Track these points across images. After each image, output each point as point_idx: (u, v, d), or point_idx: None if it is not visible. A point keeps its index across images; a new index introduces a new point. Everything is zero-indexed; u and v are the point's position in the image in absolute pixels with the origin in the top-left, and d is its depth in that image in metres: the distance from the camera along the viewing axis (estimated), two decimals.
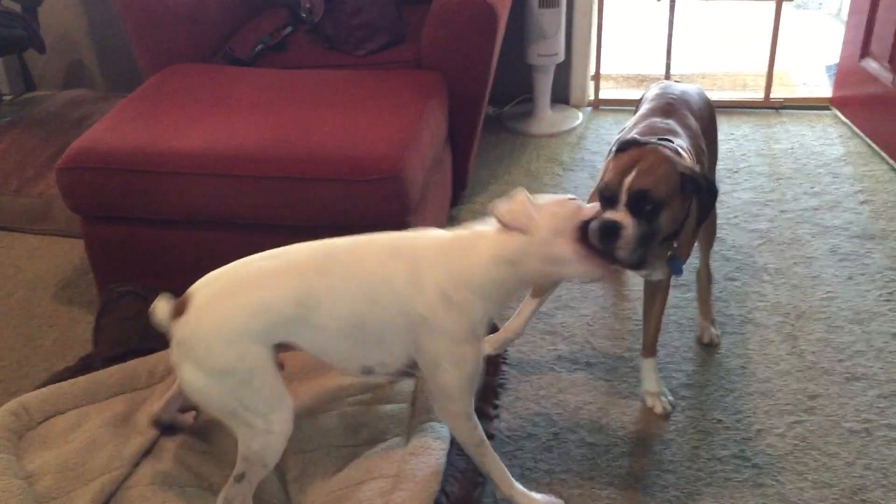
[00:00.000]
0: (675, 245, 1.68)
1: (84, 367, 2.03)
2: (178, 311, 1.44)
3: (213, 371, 1.42)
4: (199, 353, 1.42)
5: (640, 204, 1.50)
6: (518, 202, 1.43)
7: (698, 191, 1.57)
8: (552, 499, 1.66)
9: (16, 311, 2.41)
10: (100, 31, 3.79)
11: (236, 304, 1.43)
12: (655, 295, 1.91)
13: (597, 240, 1.45)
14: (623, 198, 1.51)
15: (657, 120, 1.82)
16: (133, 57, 2.81)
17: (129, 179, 2.10)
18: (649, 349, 1.94)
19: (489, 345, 1.97)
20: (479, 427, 1.58)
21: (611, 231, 1.47)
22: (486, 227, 1.48)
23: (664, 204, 1.52)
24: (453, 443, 1.71)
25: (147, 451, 1.70)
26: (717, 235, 2.59)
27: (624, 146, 1.61)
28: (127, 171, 2.09)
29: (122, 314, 2.16)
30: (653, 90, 2.03)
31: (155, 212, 2.14)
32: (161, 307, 1.47)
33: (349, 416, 1.79)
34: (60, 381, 1.92)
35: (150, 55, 2.70)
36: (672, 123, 1.81)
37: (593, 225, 1.45)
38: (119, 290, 2.21)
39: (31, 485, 1.59)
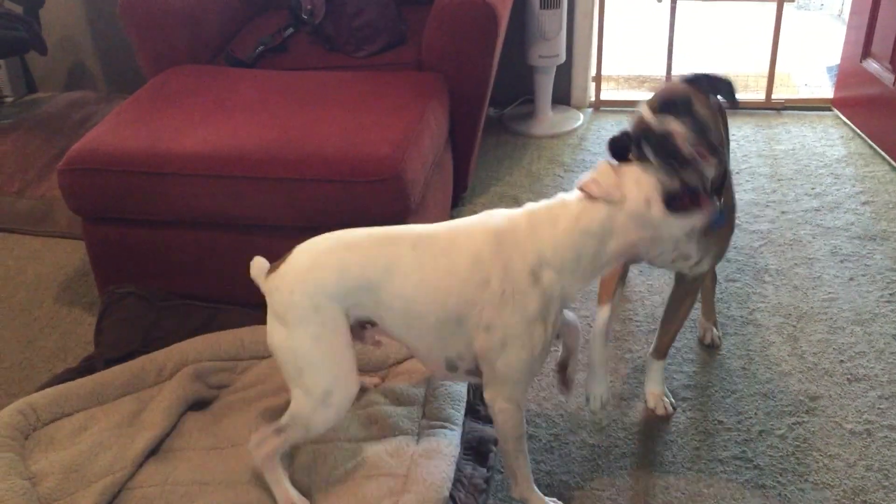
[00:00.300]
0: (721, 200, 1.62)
1: (86, 368, 2.03)
2: (275, 268, 1.52)
3: (290, 321, 1.47)
4: (281, 303, 1.48)
5: (669, 107, 1.44)
6: (603, 171, 1.42)
7: (710, 85, 1.54)
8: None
9: (17, 313, 2.41)
10: (101, 32, 3.79)
11: (323, 262, 1.49)
12: (685, 299, 1.88)
13: (656, 157, 1.40)
14: (651, 115, 1.44)
15: None
16: (134, 59, 2.81)
17: (131, 181, 2.10)
18: (662, 351, 1.94)
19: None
20: (524, 420, 1.57)
21: (665, 139, 1.40)
22: (568, 199, 1.46)
23: (690, 100, 1.47)
24: (461, 448, 1.71)
25: (152, 452, 1.70)
26: None
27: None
28: (128, 172, 2.09)
29: (123, 315, 2.16)
30: None
31: (156, 213, 2.15)
32: (257, 264, 1.55)
33: (361, 413, 1.79)
34: (62, 382, 1.92)
35: (151, 57, 2.70)
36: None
37: (652, 143, 1.41)
38: (120, 291, 2.22)
39: (34, 485, 1.59)
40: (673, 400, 1.95)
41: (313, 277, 1.48)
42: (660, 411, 1.92)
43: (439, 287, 1.47)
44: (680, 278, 1.89)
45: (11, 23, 3.35)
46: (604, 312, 1.86)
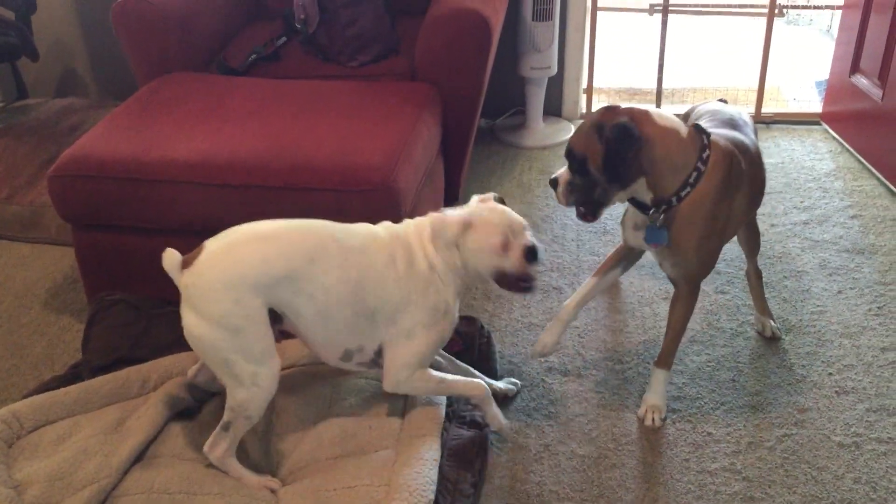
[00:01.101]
0: (662, 217, 1.74)
1: (73, 375, 2.02)
2: (188, 262, 1.56)
3: (211, 318, 1.53)
4: (200, 299, 1.53)
5: (571, 161, 1.73)
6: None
7: (604, 137, 1.66)
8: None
9: (5, 319, 2.39)
10: (93, 39, 3.79)
11: (240, 254, 1.55)
12: (675, 305, 1.91)
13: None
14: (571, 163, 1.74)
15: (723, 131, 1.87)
16: (126, 65, 2.81)
17: (121, 188, 2.09)
18: (661, 360, 1.95)
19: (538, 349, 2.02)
20: (430, 371, 1.72)
21: (553, 184, 1.79)
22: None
23: (586, 157, 1.69)
24: (445, 454, 1.71)
25: (137, 459, 1.69)
26: None
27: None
28: (119, 179, 2.08)
29: (112, 323, 2.15)
30: (711, 109, 2.03)
31: (146, 220, 2.14)
32: (169, 256, 1.58)
33: (338, 426, 1.78)
34: (49, 389, 1.91)
35: (143, 64, 2.70)
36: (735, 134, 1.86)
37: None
38: (109, 298, 2.21)
39: (19, 494, 1.58)
40: (664, 415, 1.95)
41: (234, 271, 1.54)
42: (646, 422, 1.93)
43: (359, 282, 1.61)
44: (673, 284, 1.91)
45: (3, 29, 3.35)
46: (589, 282, 2.01)
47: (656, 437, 1.90)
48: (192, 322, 1.56)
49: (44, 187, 2.93)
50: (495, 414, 1.81)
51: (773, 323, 2.21)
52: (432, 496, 1.57)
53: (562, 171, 1.77)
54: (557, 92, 3.58)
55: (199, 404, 1.89)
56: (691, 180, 1.70)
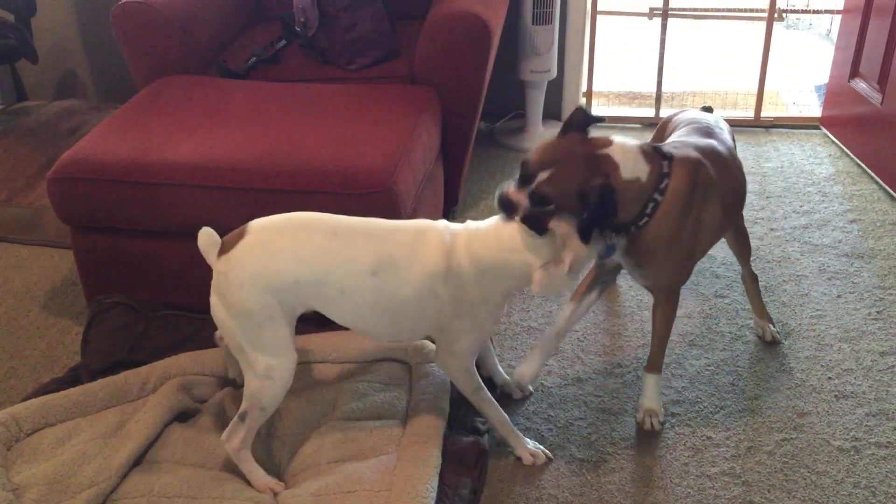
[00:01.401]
0: (614, 239, 1.73)
1: (72, 378, 2.02)
2: (227, 247, 1.56)
3: (234, 309, 1.55)
4: (228, 289, 1.55)
5: (539, 202, 1.60)
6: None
7: (589, 207, 1.58)
8: (540, 450, 1.84)
9: (3, 322, 2.39)
10: (92, 41, 3.79)
11: (277, 254, 1.55)
12: (656, 310, 1.90)
13: (497, 203, 1.65)
14: (531, 187, 1.61)
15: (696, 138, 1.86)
16: (125, 68, 2.81)
17: (121, 190, 2.09)
18: (650, 364, 1.94)
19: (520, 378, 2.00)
20: (475, 374, 1.75)
21: (507, 206, 1.63)
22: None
23: (558, 206, 1.59)
24: (445, 460, 1.71)
25: (136, 463, 1.69)
26: (708, 252, 2.60)
27: (582, 123, 1.67)
28: (118, 181, 2.08)
29: (110, 325, 2.15)
30: (687, 117, 2.02)
31: (146, 223, 2.14)
32: (206, 236, 1.60)
33: (339, 430, 1.78)
34: (48, 392, 1.91)
35: (143, 66, 2.70)
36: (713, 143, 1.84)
37: (498, 196, 1.65)
38: (108, 301, 2.21)
39: (17, 497, 1.57)
40: (662, 419, 1.95)
41: (266, 272, 1.54)
42: (645, 426, 1.92)
43: (393, 314, 1.63)
44: (650, 291, 1.92)
45: (3, 31, 3.35)
46: (567, 308, 1.98)
47: (655, 441, 1.90)
48: (216, 305, 1.59)
49: (43, 189, 2.93)
50: (522, 445, 1.83)
51: (772, 327, 2.21)
52: (433, 502, 1.57)
53: (520, 194, 1.62)
54: (557, 95, 3.59)
55: (198, 406, 1.89)
56: (647, 211, 1.67)
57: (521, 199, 1.61)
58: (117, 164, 2.09)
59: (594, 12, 3.51)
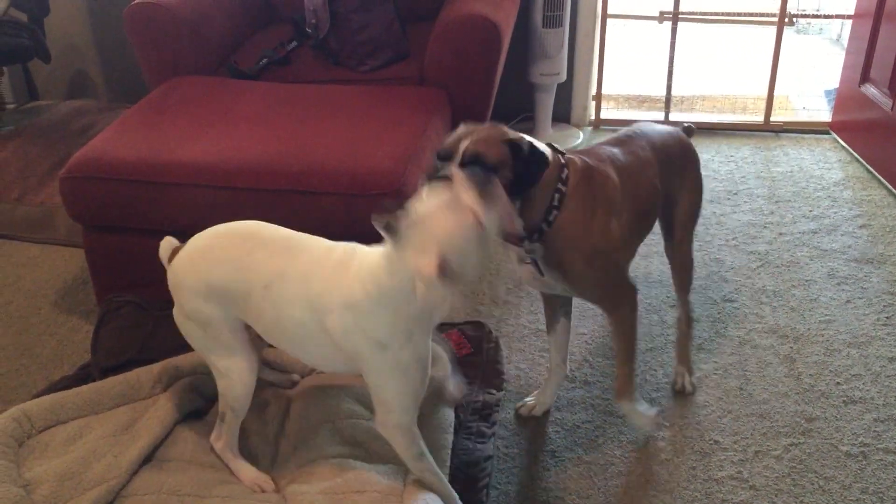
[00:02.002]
0: (538, 245, 1.65)
1: (83, 376, 2.03)
2: (174, 255, 1.63)
3: (185, 311, 1.60)
4: (176, 294, 1.62)
5: (472, 160, 1.51)
6: None
7: (521, 156, 1.54)
8: None
9: (15, 320, 2.40)
10: (104, 42, 3.81)
11: (197, 267, 1.58)
12: (613, 333, 1.83)
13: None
14: (458, 159, 1.51)
15: (604, 146, 1.82)
16: (136, 68, 2.83)
17: (132, 190, 2.10)
18: (619, 392, 1.82)
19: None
20: (419, 440, 1.54)
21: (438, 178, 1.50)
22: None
23: (494, 163, 1.51)
24: (451, 465, 1.71)
25: (147, 460, 1.70)
26: (717, 257, 2.60)
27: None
28: (130, 181, 2.09)
29: (121, 324, 2.16)
30: (626, 129, 1.97)
31: (156, 222, 2.15)
32: (165, 245, 1.66)
33: (343, 430, 1.78)
34: (59, 389, 1.91)
35: (154, 67, 2.71)
36: (616, 151, 1.79)
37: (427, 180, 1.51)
38: (118, 300, 2.22)
39: (28, 493, 1.58)
40: (660, 429, 1.93)
41: (198, 278, 1.56)
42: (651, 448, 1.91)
43: (297, 331, 1.52)
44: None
45: (16, 30, 3.37)
46: (550, 341, 1.95)
47: (663, 445, 1.90)
48: (175, 311, 1.63)
49: (54, 188, 2.95)
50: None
51: (688, 377, 2.07)
52: None
53: (452, 170, 1.51)
54: (566, 98, 3.59)
55: (208, 404, 1.90)
56: (555, 203, 1.62)
57: (454, 171, 1.50)
58: (129, 164, 2.11)
59: (604, 15, 3.51)
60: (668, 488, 1.78)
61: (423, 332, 1.46)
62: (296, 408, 1.83)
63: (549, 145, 1.67)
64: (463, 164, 1.50)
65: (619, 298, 1.76)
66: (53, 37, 3.72)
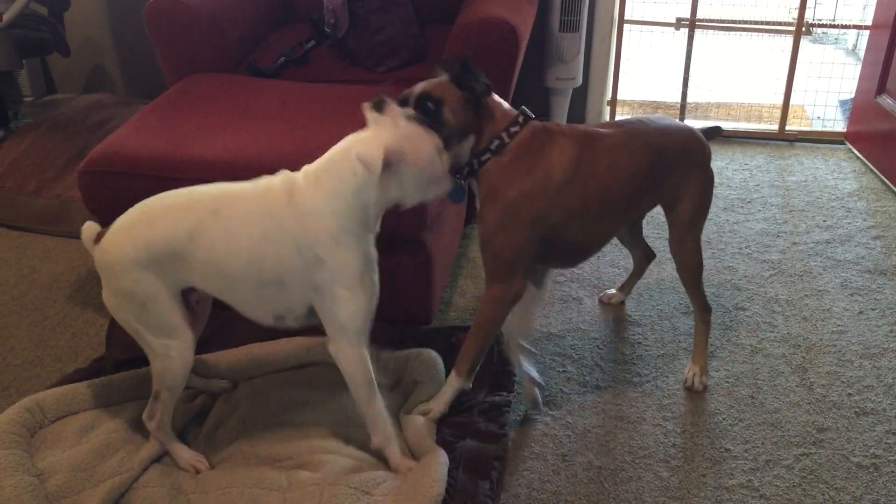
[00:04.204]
0: (466, 173, 1.78)
1: (96, 369, 2.05)
2: (99, 238, 1.64)
3: (117, 292, 1.61)
4: (106, 277, 1.62)
5: (426, 104, 1.67)
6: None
7: (463, 75, 1.71)
8: (410, 462, 1.71)
9: (29, 312, 2.42)
10: (122, 37, 3.84)
11: (132, 236, 1.59)
12: (479, 309, 1.84)
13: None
14: (412, 102, 1.68)
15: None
16: (153, 64, 2.84)
17: (151, 185, 2.10)
18: (457, 365, 1.86)
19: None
20: (370, 364, 1.66)
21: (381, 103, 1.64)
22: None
23: (444, 101, 1.68)
24: (460, 466, 1.71)
25: (157, 459, 1.72)
26: (729, 265, 2.60)
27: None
28: (149, 176, 2.11)
29: None
30: (634, 117, 2.01)
31: None
32: (87, 230, 1.66)
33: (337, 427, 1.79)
34: (72, 382, 1.93)
35: (173, 63, 2.73)
36: (575, 127, 1.85)
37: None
38: None
39: (41, 482, 1.60)
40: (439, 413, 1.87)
41: (126, 253, 1.58)
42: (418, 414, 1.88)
43: (252, 253, 1.56)
44: None
45: (36, 24, 3.39)
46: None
47: (674, 452, 1.90)
48: (105, 294, 1.64)
49: (71, 181, 2.97)
50: (394, 459, 1.72)
51: (699, 376, 2.07)
52: (441, 490, 1.58)
53: (408, 110, 1.65)
54: (581, 103, 3.59)
55: (211, 402, 1.92)
56: (492, 147, 1.74)
57: (409, 111, 1.65)
58: (148, 159, 2.12)
59: (621, 21, 3.51)
60: (679, 495, 1.78)
61: (371, 235, 1.62)
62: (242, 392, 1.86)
63: (520, 108, 1.78)
64: (415, 105, 1.67)
65: (502, 276, 1.78)
66: (72, 31, 3.75)
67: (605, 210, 1.83)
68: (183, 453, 1.72)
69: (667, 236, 2.04)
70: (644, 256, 2.35)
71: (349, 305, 1.59)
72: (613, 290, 2.42)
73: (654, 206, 2.02)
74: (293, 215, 1.56)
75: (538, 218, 1.75)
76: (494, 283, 1.79)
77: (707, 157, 1.98)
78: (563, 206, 1.77)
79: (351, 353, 1.62)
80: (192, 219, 1.58)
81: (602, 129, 1.85)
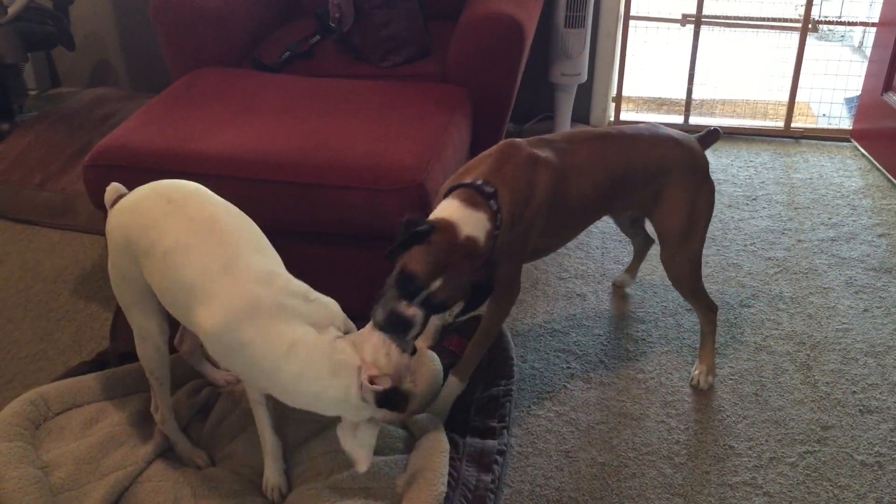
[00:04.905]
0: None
1: (100, 362, 2.05)
2: (114, 203, 1.66)
3: (112, 261, 1.63)
4: (108, 242, 1.64)
5: (434, 308, 1.54)
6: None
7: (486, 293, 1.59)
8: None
9: (34, 305, 2.42)
10: (127, 31, 3.83)
11: (121, 219, 1.60)
12: (487, 317, 1.85)
13: (385, 324, 1.50)
14: (423, 297, 1.51)
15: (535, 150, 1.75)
16: (157, 58, 2.84)
17: (156, 179, 2.09)
18: (457, 369, 1.87)
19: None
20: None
21: (404, 325, 1.50)
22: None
23: (454, 299, 1.56)
24: (463, 461, 1.71)
25: (161, 454, 1.72)
26: (734, 262, 2.60)
27: (434, 229, 1.56)
28: (153, 170, 2.10)
29: None
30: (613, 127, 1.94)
31: None
32: (112, 190, 1.68)
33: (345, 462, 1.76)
34: (76, 375, 1.94)
35: (178, 57, 2.72)
36: (548, 154, 1.75)
37: (381, 312, 1.51)
38: None
39: (46, 475, 1.60)
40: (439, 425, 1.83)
41: (115, 231, 1.60)
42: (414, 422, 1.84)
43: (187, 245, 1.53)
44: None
45: (42, 17, 3.39)
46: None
47: (678, 449, 1.90)
48: (109, 261, 1.66)
49: (76, 175, 2.97)
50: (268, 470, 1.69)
51: (705, 375, 2.08)
52: (444, 488, 1.58)
53: (412, 309, 1.51)
54: (586, 99, 3.58)
55: (216, 398, 1.92)
56: (496, 233, 1.63)
57: (415, 312, 1.51)
58: (153, 153, 2.12)
59: (626, 17, 3.50)
60: (682, 492, 1.78)
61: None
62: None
63: (480, 189, 1.62)
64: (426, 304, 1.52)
65: (509, 290, 1.82)
66: (77, 24, 3.74)
67: (567, 222, 1.85)
68: (184, 448, 1.73)
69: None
70: (644, 243, 2.42)
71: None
72: (621, 276, 2.50)
73: (631, 211, 2.02)
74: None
75: (530, 242, 1.77)
76: (501, 297, 1.82)
77: (696, 168, 1.90)
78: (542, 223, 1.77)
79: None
80: (173, 234, 1.53)
81: (565, 146, 1.80)
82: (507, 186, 1.66)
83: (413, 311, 1.51)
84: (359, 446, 1.49)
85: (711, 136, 2.01)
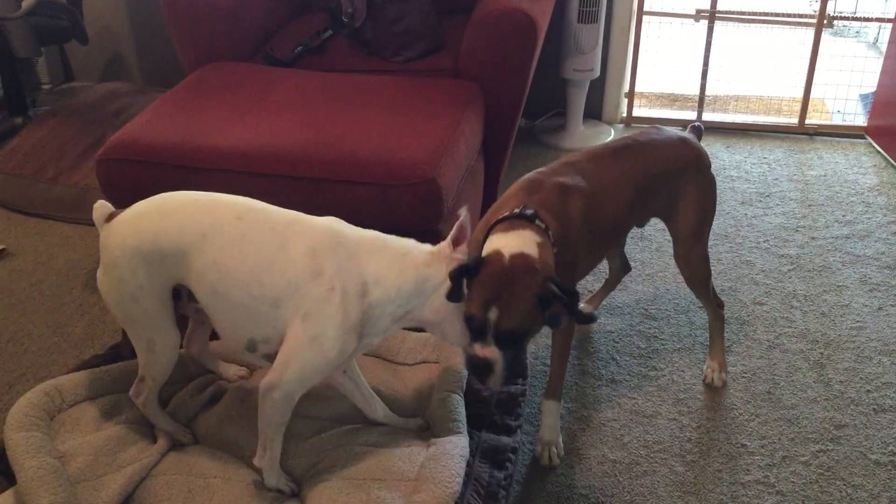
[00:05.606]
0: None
1: (113, 356, 2.05)
2: (111, 218, 1.59)
3: (112, 276, 1.56)
4: (105, 260, 1.58)
5: (508, 341, 1.47)
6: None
7: (560, 301, 1.47)
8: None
9: (47, 298, 2.44)
10: (140, 25, 3.84)
11: (141, 226, 1.55)
12: (555, 335, 1.85)
13: (469, 372, 1.48)
14: (491, 332, 1.46)
15: (561, 177, 1.73)
16: (170, 53, 2.85)
17: (168, 173, 2.12)
18: (549, 390, 1.87)
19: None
20: (290, 412, 1.56)
21: (483, 368, 1.48)
22: (419, 247, 1.53)
23: (529, 331, 1.50)
24: (476, 457, 1.71)
25: (173, 447, 1.73)
26: (747, 259, 2.58)
27: (480, 263, 1.50)
28: (166, 165, 2.11)
29: None
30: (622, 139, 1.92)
31: None
32: (99, 208, 1.61)
33: (359, 454, 1.76)
34: (89, 368, 1.94)
35: (191, 52, 2.73)
36: (575, 179, 1.73)
37: (466, 359, 1.51)
38: None
39: (63, 465, 1.61)
40: (561, 451, 1.87)
41: (131, 242, 1.53)
42: (543, 461, 1.86)
43: (260, 263, 1.49)
44: None
45: (55, 12, 3.40)
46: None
47: (689, 447, 1.89)
48: (99, 273, 1.61)
49: (89, 169, 2.98)
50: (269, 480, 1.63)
51: (718, 373, 2.08)
52: (458, 488, 1.57)
53: (488, 349, 1.47)
54: (599, 95, 3.57)
55: (225, 387, 1.92)
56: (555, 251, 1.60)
57: (490, 352, 1.47)
58: (165, 148, 2.12)
59: (640, 12, 3.48)
60: (694, 490, 1.77)
61: (371, 337, 1.53)
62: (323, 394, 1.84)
63: (523, 216, 1.59)
64: (497, 339, 1.46)
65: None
66: (90, 19, 3.75)
67: (604, 240, 1.83)
68: (167, 426, 1.73)
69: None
70: (621, 267, 2.30)
71: (304, 362, 1.49)
72: (582, 304, 2.29)
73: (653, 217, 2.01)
74: (330, 245, 1.50)
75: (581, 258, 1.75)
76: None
77: (703, 164, 1.92)
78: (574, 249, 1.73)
79: (278, 399, 1.51)
80: (212, 217, 1.54)
81: (590, 166, 1.78)
82: (544, 209, 1.63)
83: (489, 350, 1.46)
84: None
85: (696, 132, 2.02)
